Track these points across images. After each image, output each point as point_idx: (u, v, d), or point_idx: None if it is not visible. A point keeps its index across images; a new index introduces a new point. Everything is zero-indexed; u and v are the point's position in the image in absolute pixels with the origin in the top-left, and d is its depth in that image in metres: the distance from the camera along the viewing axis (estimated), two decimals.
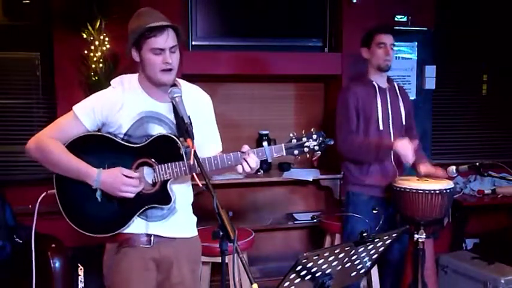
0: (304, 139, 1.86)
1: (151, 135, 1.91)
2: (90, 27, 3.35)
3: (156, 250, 1.99)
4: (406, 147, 2.78)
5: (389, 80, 3.10)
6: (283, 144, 1.86)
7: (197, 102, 2.04)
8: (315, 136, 1.86)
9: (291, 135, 1.88)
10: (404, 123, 3.06)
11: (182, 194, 2.04)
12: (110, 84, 2.01)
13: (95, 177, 1.86)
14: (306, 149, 1.86)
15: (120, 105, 1.92)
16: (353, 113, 2.95)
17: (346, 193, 3.12)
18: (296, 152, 1.86)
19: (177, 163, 1.88)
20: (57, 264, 2.94)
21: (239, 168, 1.88)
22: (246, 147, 1.87)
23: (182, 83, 2.05)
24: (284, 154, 1.87)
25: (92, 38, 3.37)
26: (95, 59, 3.38)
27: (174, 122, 1.94)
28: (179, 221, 2.03)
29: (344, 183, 3.21)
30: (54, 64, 3.63)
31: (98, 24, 3.37)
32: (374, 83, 3.00)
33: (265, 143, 1.89)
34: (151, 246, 1.97)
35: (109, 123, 1.94)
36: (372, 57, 2.99)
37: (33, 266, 2.05)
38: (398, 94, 3.07)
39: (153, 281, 2.02)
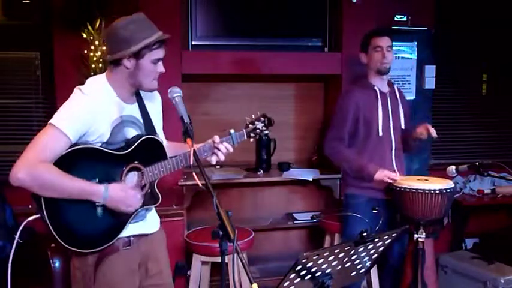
0: (256, 122, 2.15)
1: (130, 139, 1.93)
2: (90, 27, 3.35)
3: (136, 250, 2.02)
4: (384, 178, 2.82)
5: (390, 84, 3.09)
6: (244, 130, 2.13)
7: (158, 101, 2.15)
8: (262, 119, 2.16)
9: (247, 120, 2.17)
10: (403, 127, 3.04)
11: None
12: None
13: (103, 194, 1.81)
14: (258, 131, 2.15)
15: (100, 113, 1.85)
16: (349, 119, 2.94)
17: (344, 195, 3.11)
18: (252, 134, 2.15)
19: (162, 162, 1.96)
20: (57, 264, 2.93)
21: (213, 159, 2.06)
22: (217, 138, 2.05)
23: None
24: (245, 138, 2.14)
25: (91, 38, 3.37)
26: (94, 58, 3.37)
27: (142, 122, 1.99)
28: (153, 216, 2.14)
29: (343, 184, 3.20)
30: (54, 64, 3.62)
31: (97, 24, 3.37)
32: (375, 87, 2.98)
33: (232, 130, 2.11)
34: (131, 247, 1.99)
35: (90, 133, 1.84)
36: (370, 62, 2.98)
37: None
38: (398, 98, 3.06)
39: (137, 281, 2.04)
